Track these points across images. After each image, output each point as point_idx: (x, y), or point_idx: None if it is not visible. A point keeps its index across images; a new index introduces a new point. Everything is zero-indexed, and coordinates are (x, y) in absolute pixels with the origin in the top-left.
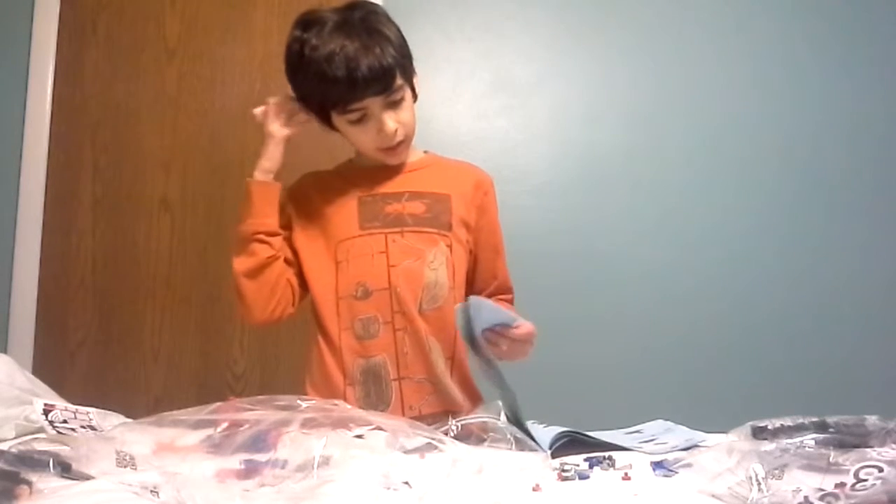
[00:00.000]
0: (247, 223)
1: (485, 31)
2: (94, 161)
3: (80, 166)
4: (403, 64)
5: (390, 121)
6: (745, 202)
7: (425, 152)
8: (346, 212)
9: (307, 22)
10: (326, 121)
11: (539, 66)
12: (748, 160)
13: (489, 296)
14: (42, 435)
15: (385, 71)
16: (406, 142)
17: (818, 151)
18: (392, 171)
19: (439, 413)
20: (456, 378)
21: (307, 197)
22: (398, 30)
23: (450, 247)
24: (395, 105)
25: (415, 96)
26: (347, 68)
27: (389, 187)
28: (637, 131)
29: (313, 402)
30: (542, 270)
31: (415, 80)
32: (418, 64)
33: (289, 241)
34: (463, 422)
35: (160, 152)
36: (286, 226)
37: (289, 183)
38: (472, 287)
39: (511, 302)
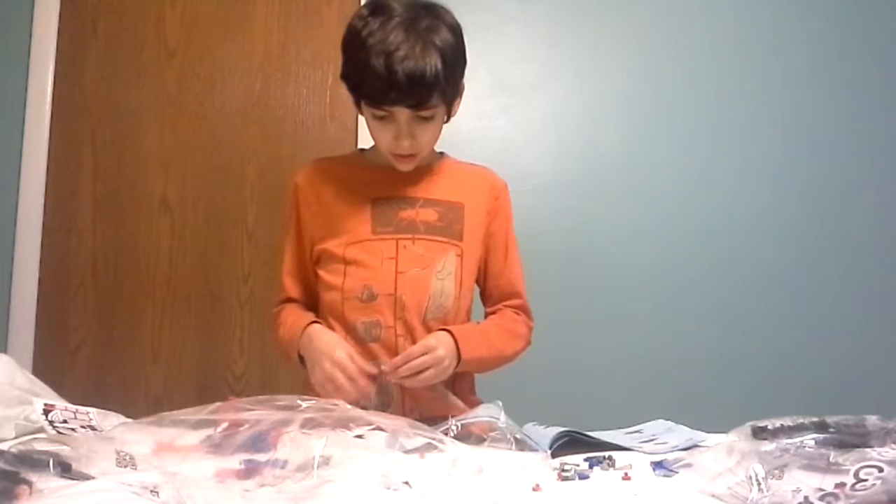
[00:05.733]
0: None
1: (485, 31)
2: (94, 161)
3: (80, 166)
4: (446, 87)
5: (405, 139)
6: (745, 202)
7: (441, 154)
8: (359, 213)
9: (378, 6)
10: (357, 102)
11: (539, 66)
12: (747, 160)
13: (494, 302)
14: (42, 435)
15: (424, 88)
16: (418, 156)
17: (818, 151)
18: (408, 172)
19: (439, 418)
20: (456, 386)
21: (318, 188)
22: (460, 48)
23: (460, 256)
24: (422, 120)
25: (448, 118)
26: (389, 70)
27: (404, 191)
28: (636, 131)
29: (313, 402)
30: (542, 270)
31: (456, 103)
32: None
33: (299, 233)
34: (463, 422)
35: (160, 152)
36: (297, 221)
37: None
38: (482, 291)
39: (518, 308)
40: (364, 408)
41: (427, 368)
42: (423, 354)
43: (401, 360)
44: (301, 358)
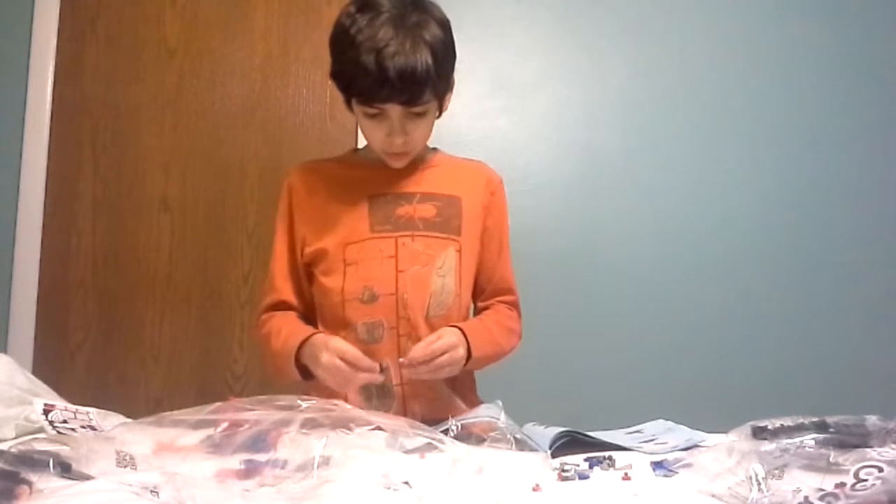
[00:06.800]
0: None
1: (484, 30)
2: (94, 161)
3: (80, 166)
4: (437, 82)
5: (398, 136)
6: (744, 202)
7: (434, 149)
8: (356, 211)
9: (365, 3)
10: (347, 101)
11: (539, 66)
12: (747, 159)
13: (486, 297)
14: (42, 435)
15: (415, 83)
16: (411, 153)
17: (817, 150)
18: (403, 168)
19: (441, 420)
20: (458, 387)
21: (312, 189)
22: (449, 43)
23: (459, 252)
24: (414, 116)
25: (440, 113)
26: (380, 67)
27: (401, 186)
28: (636, 131)
29: (313, 402)
30: (542, 270)
31: (447, 97)
32: None
33: (291, 234)
34: (463, 422)
35: (160, 152)
36: (289, 222)
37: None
38: (474, 286)
39: (511, 305)
40: (364, 408)
41: (445, 366)
42: (444, 352)
43: (421, 355)
44: (302, 371)
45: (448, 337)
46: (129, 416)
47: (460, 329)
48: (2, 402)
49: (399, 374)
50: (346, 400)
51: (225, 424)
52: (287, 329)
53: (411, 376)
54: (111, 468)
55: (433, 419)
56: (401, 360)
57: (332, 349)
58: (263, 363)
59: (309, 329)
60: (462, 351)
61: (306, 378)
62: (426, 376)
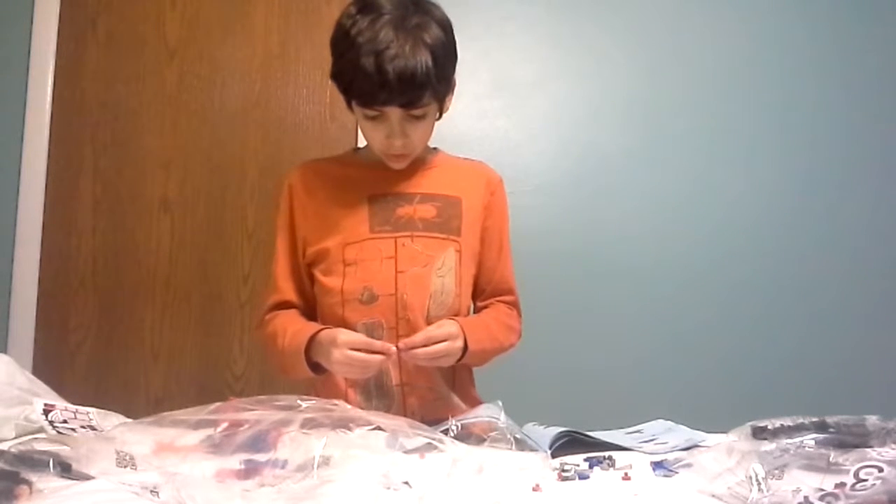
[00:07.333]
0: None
1: (485, 31)
2: (94, 161)
3: (80, 166)
4: (437, 85)
5: (398, 139)
6: (745, 201)
7: (435, 149)
8: (356, 212)
9: (366, 4)
10: (347, 102)
11: (539, 66)
12: (747, 159)
13: (486, 297)
14: (42, 435)
15: (415, 87)
16: (411, 155)
17: (818, 151)
18: (403, 168)
19: (440, 420)
20: (457, 385)
21: (312, 189)
22: (450, 44)
23: (459, 252)
24: (414, 118)
25: (441, 114)
26: (379, 70)
27: (401, 186)
28: (636, 131)
29: (313, 402)
30: (542, 270)
31: (448, 99)
32: None
33: (292, 234)
34: (463, 422)
35: (160, 152)
36: (290, 222)
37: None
38: (474, 286)
39: (512, 304)
40: (364, 408)
41: (442, 355)
42: (443, 340)
43: (421, 340)
44: (313, 366)
45: (448, 327)
46: (129, 416)
47: (458, 323)
48: (2, 402)
49: (399, 376)
50: (346, 400)
51: (225, 424)
52: (292, 327)
53: (408, 360)
54: (111, 468)
55: (433, 419)
56: (399, 343)
57: (340, 344)
58: (268, 362)
59: (313, 325)
60: (460, 343)
61: (318, 373)
62: (422, 363)
